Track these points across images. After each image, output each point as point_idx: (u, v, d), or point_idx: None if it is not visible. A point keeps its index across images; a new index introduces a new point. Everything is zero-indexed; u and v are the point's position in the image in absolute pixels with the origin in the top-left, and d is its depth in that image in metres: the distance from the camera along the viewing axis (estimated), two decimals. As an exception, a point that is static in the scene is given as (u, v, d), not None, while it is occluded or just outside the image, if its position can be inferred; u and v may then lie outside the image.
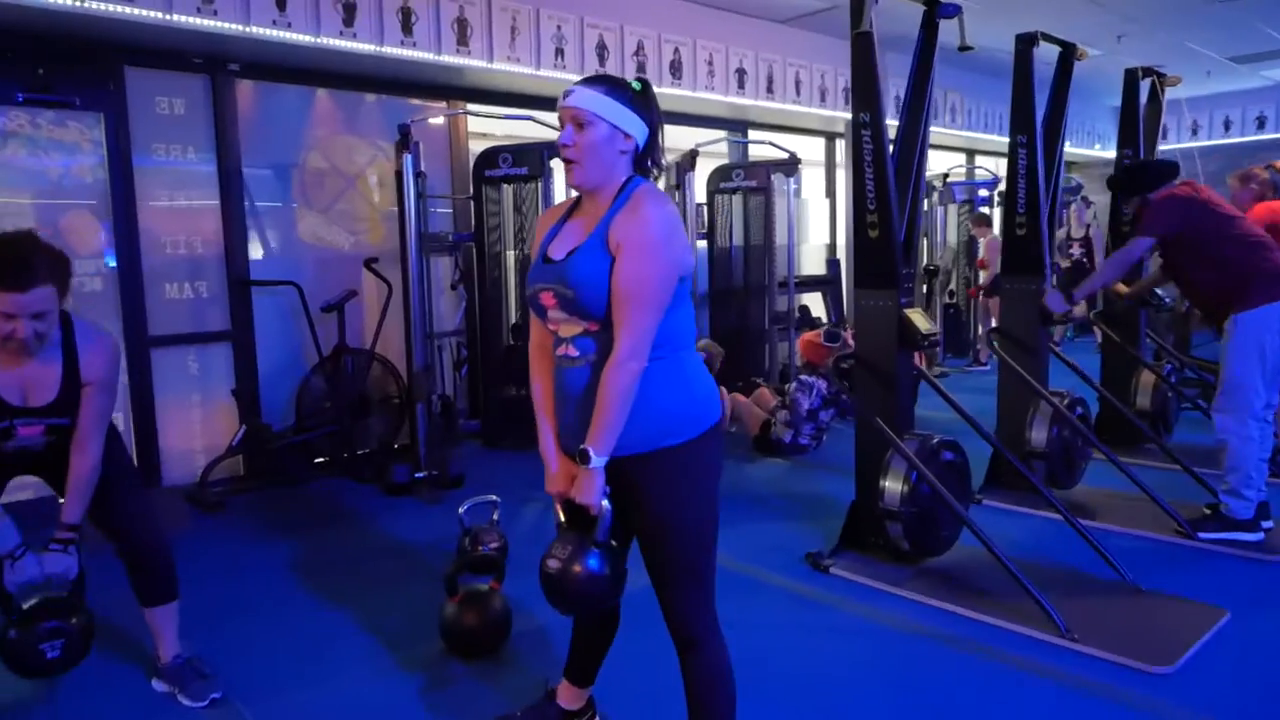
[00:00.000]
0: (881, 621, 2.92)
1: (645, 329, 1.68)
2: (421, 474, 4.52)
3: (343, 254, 5.12)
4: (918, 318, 3.34)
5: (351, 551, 3.72)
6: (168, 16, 3.93)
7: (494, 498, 3.46)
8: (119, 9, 3.79)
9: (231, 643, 2.84)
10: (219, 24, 4.10)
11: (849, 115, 3.42)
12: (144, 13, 3.86)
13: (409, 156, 4.51)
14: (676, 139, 6.61)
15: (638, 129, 1.75)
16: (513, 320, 5.47)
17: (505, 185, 5.37)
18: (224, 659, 2.69)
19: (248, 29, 4.19)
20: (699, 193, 6.53)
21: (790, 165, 6.46)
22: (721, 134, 6.47)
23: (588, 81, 1.76)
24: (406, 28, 4.74)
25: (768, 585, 3.25)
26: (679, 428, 1.78)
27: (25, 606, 2.13)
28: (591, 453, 1.71)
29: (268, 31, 4.25)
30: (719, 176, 6.77)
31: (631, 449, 1.77)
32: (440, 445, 4.80)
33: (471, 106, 5.58)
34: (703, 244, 6.81)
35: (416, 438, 4.65)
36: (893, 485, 3.23)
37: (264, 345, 4.85)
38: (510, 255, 5.43)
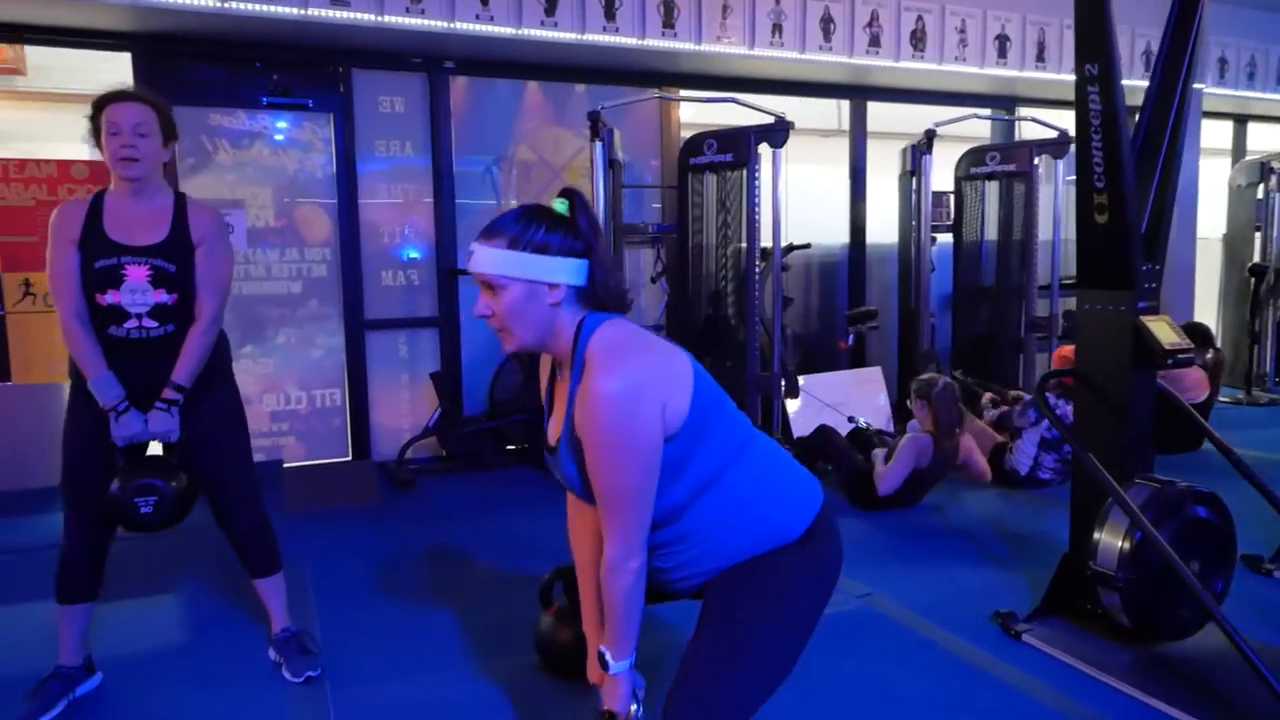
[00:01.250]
0: (1076, 717, 2.27)
1: (631, 526, 1.41)
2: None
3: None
4: (1161, 328, 2.57)
5: (507, 543, 3.67)
6: (379, 18, 4.14)
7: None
8: (336, 14, 4.05)
9: (354, 622, 2.88)
10: (426, 22, 4.26)
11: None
12: (359, 16, 4.10)
13: (599, 145, 4.39)
14: (912, 120, 5.92)
15: (565, 271, 1.42)
16: (711, 313, 5.19)
17: (710, 173, 5.09)
18: (341, 638, 2.73)
19: (453, 25, 4.30)
20: (944, 180, 5.79)
21: (1059, 146, 5.52)
22: (964, 111, 5.66)
23: (485, 234, 1.44)
24: (609, 13, 4.63)
25: (936, 645, 2.69)
26: (760, 539, 1.51)
27: (126, 460, 2.20)
28: (609, 657, 1.49)
29: (472, 26, 4.34)
30: (970, 160, 5.95)
31: (721, 563, 1.53)
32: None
33: (683, 92, 5.38)
34: (946, 238, 6.04)
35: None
36: (1109, 541, 2.52)
37: (468, 332, 5.01)
38: (710, 247, 5.14)
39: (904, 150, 5.74)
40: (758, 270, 4.91)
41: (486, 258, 1.41)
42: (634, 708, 1.52)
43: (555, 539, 3.58)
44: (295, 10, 3.98)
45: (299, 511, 4.04)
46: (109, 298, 2.18)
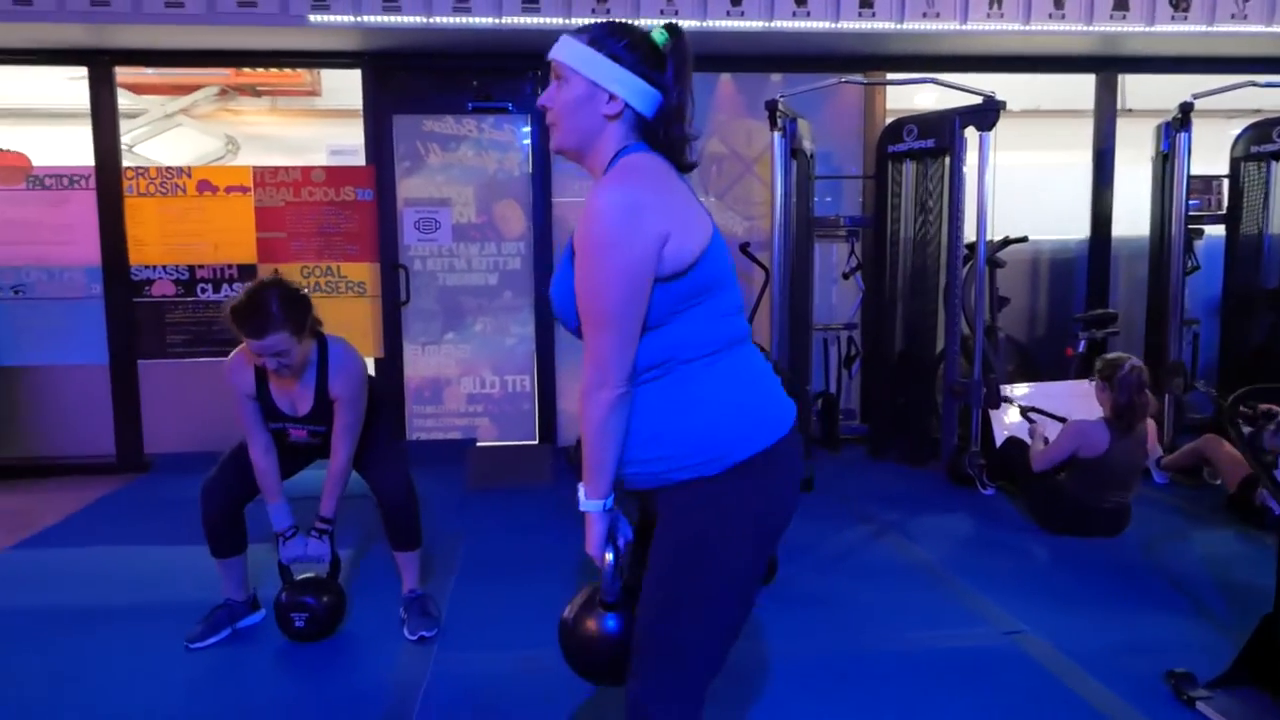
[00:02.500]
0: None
1: (608, 351, 1.32)
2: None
3: (734, 240, 5.08)
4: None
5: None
6: (567, 20, 4.32)
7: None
8: (527, 20, 4.30)
9: (485, 593, 3.04)
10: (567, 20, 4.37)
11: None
12: (547, 20, 4.31)
13: (778, 136, 4.25)
14: (1157, 93, 5.09)
15: (630, 89, 1.38)
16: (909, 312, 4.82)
17: (910, 161, 4.73)
18: (467, 605, 2.93)
19: (636, 22, 4.38)
20: (1209, 162, 4.92)
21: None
22: (1235, 79, 4.73)
23: (578, 30, 1.42)
24: (800, -2, 4.46)
25: (1083, 702, 2.31)
26: (682, 462, 1.37)
27: (293, 579, 2.63)
28: (580, 492, 1.41)
29: (654, 21, 4.39)
30: (1254, 138, 5.00)
31: (642, 483, 1.43)
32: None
33: (889, 75, 5.04)
34: (1217, 230, 5.14)
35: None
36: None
37: (653, 326, 5.08)
38: (909, 241, 4.78)
39: (1157, 128, 4.94)
40: (961, 266, 4.50)
41: (565, 46, 1.40)
42: (608, 555, 1.43)
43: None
44: (490, 19, 4.27)
45: (478, 488, 4.35)
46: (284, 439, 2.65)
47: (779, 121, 4.24)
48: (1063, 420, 3.87)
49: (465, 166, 4.86)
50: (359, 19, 4.20)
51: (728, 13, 4.44)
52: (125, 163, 4.70)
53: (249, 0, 4.13)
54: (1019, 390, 4.59)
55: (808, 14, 4.48)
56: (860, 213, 5.19)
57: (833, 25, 4.51)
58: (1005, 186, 4.75)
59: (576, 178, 4.99)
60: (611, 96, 1.38)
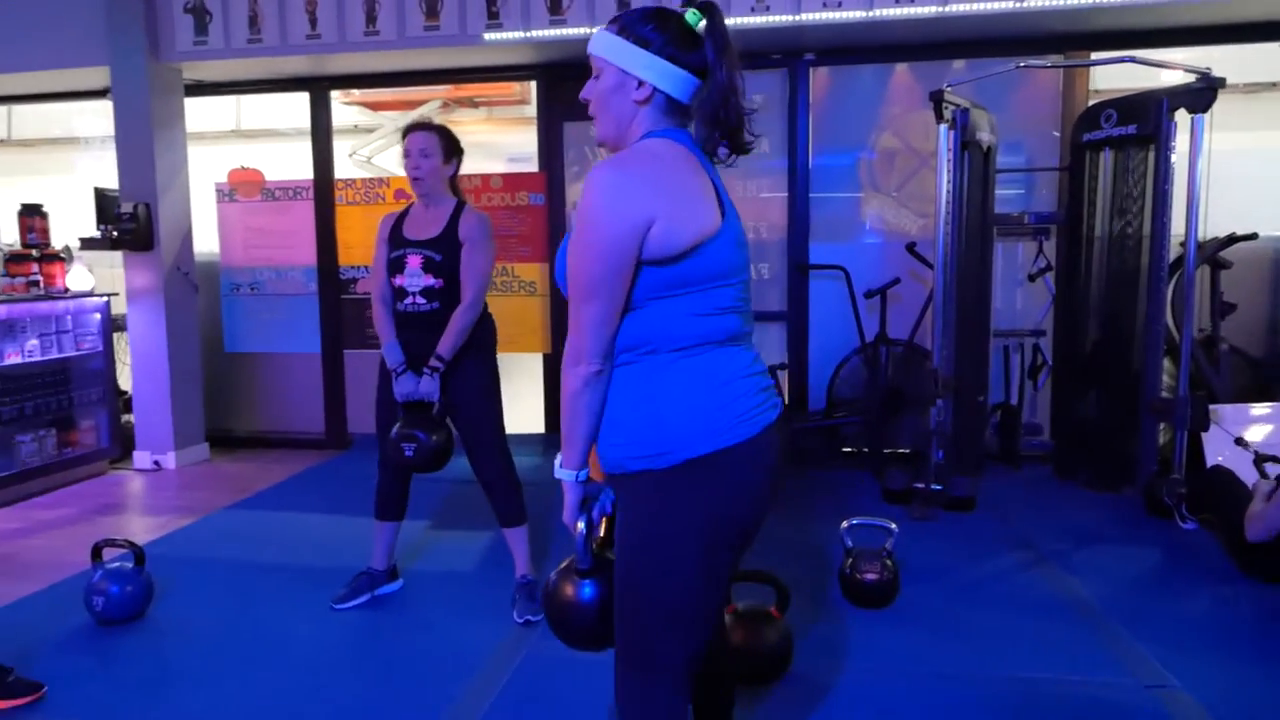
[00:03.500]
0: None
1: (586, 324, 1.35)
2: (920, 484, 4.02)
3: (907, 238, 4.81)
4: None
5: (776, 544, 3.60)
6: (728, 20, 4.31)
7: (891, 525, 2.97)
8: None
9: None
10: (770, 18, 4.30)
11: None
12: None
13: (945, 129, 3.97)
14: None
15: (658, 72, 1.39)
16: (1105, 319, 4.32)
17: (1108, 150, 4.23)
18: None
19: (798, 18, 4.28)
20: None
21: None
22: None
23: (611, 20, 1.46)
24: (978, -23, 4.13)
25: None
26: (635, 451, 1.39)
27: (403, 413, 2.74)
28: (556, 461, 1.46)
29: (817, 16, 4.26)
30: None
31: (607, 467, 1.46)
32: (961, 455, 4.17)
33: (1094, 55, 4.53)
34: None
35: (930, 442, 4.13)
36: None
37: (815, 328, 4.94)
38: (1106, 239, 4.27)
39: None
40: (1166, 267, 3.97)
41: (597, 38, 1.44)
42: (580, 524, 1.46)
43: (830, 549, 3.42)
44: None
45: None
46: (396, 280, 2.78)
47: (946, 113, 3.96)
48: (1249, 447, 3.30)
49: (631, 170, 4.99)
50: (529, 34, 4.45)
51: (897, 1, 4.21)
52: (359, 174, 5.31)
53: (433, 24, 4.51)
54: (1256, 411, 3.97)
55: (990, -7, 4.14)
56: (1053, 209, 4.71)
57: (1017, 5, 4.14)
58: (1221, 175, 4.12)
59: (740, 176, 4.96)
60: (640, 82, 1.40)
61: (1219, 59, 3.96)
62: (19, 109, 6.39)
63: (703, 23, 1.41)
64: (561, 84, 4.96)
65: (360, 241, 5.24)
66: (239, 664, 2.58)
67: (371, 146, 6.17)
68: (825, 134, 4.88)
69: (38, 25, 4.84)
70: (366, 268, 5.26)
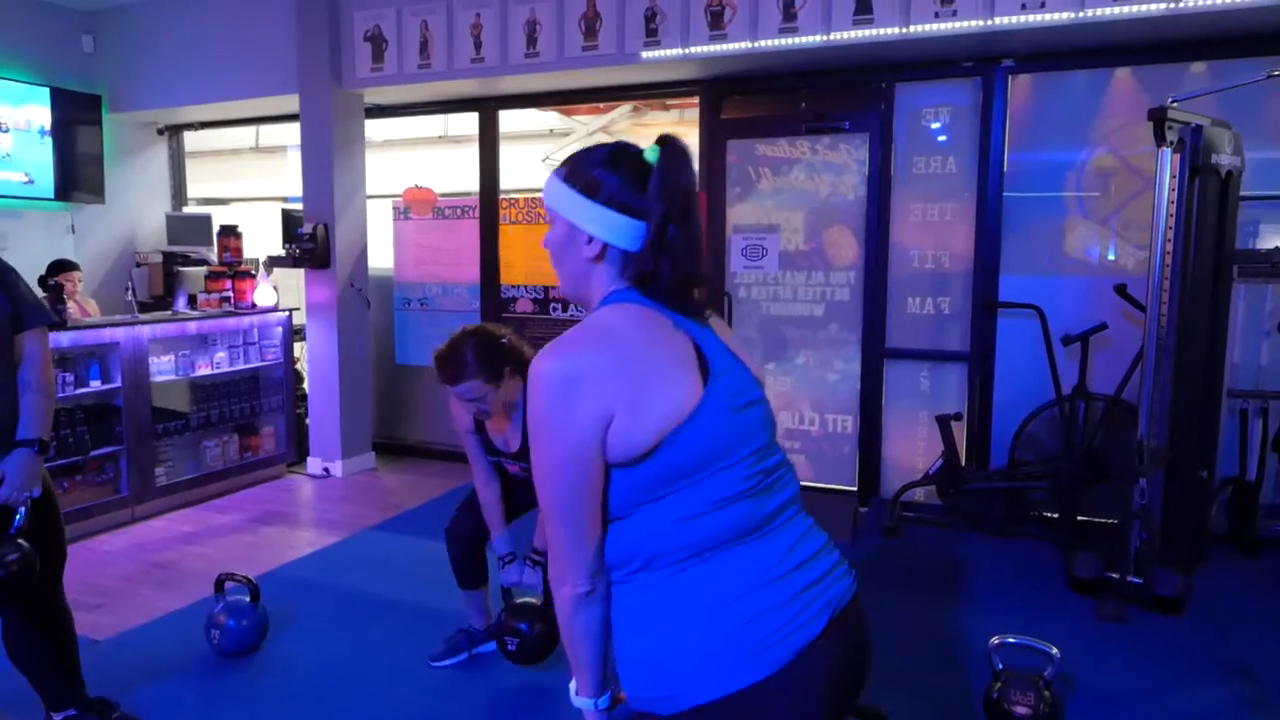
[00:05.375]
0: None
1: (561, 543, 1.13)
2: (1114, 574, 3.38)
3: (1120, 275, 4.09)
4: None
5: (926, 629, 3.14)
6: (905, 30, 3.83)
7: (1053, 650, 2.49)
8: (863, 33, 3.90)
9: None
10: (957, 24, 3.77)
11: None
12: (885, 31, 3.87)
13: (1168, 152, 3.28)
14: None
15: (606, 224, 1.17)
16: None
17: (1400, 175, 3.33)
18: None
19: (990, 22, 3.72)
20: None
21: None
22: None
23: (562, 162, 1.24)
24: (1227, -35, 3.38)
25: None
26: (636, 691, 1.15)
27: (514, 603, 2.71)
28: (571, 687, 1.24)
29: (1017, 19, 3.68)
30: None
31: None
32: (1173, 544, 3.47)
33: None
34: None
35: (1131, 524, 3.47)
36: None
37: (1002, 373, 4.34)
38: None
39: None
40: None
41: (547, 183, 1.26)
42: None
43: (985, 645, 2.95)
44: (819, 37, 3.97)
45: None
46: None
47: (1170, 134, 3.27)
48: None
49: (796, 191, 4.62)
50: (687, 50, 4.20)
51: (1116, -3, 3.54)
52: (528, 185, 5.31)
53: (591, 44, 4.38)
54: None
55: (1249, -18, 3.38)
56: (1320, 242, 3.81)
57: (1278, -4, 3.35)
58: None
59: (920, 200, 4.43)
60: (590, 238, 1.18)
61: None
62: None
63: (658, 155, 1.16)
64: (726, 98, 4.67)
65: (521, 262, 5.24)
66: (332, 713, 2.58)
67: (564, 151, 6.18)
68: (1024, 151, 4.24)
69: (240, 59, 5.25)
70: (526, 287, 5.26)
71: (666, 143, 1.16)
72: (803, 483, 4.72)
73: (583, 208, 1.17)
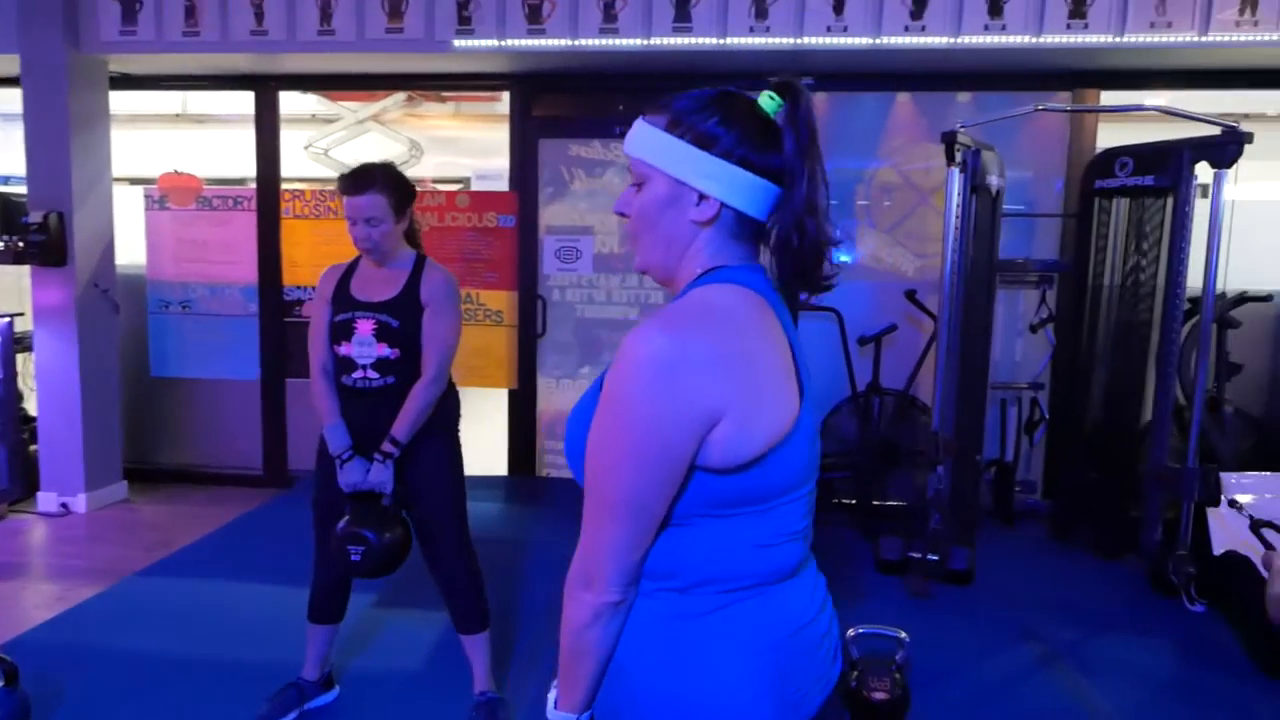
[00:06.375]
0: None
1: (605, 544, 0.97)
2: (916, 554, 3.73)
3: (903, 281, 4.51)
4: None
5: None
6: (722, 41, 3.94)
7: (902, 634, 2.64)
8: (679, 41, 3.95)
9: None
10: (770, 40, 3.95)
11: None
12: (699, 41, 3.95)
13: (956, 171, 3.67)
14: None
15: (728, 182, 1.01)
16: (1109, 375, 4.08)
17: (1121, 199, 3.98)
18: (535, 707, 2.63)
19: (800, 40, 3.93)
20: None
21: None
22: None
23: (659, 106, 1.05)
24: (995, 9, 3.83)
25: None
26: (622, 717, 1.02)
27: (350, 508, 2.31)
28: (549, 699, 1.07)
29: (822, 40, 3.92)
30: None
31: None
32: (960, 523, 3.89)
33: (1104, 97, 4.29)
34: None
35: (927, 509, 3.84)
36: None
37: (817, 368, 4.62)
38: (1115, 291, 4.03)
39: None
40: (1180, 326, 3.73)
41: (638, 135, 1.06)
42: None
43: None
44: (639, 41, 3.97)
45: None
46: (343, 349, 2.33)
47: (958, 155, 3.66)
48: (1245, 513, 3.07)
49: (610, 193, 4.60)
50: (503, 43, 4.02)
51: (906, 28, 3.89)
52: (322, 171, 4.76)
53: (396, 26, 4.05)
54: (1260, 479, 3.75)
55: (1003, 28, 3.85)
56: (1055, 256, 4.46)
57: (1034, 40, 3.86)
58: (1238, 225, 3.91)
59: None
60: (702, 196, 1.02)
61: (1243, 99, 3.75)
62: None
63: (783, 110, 1.03)
64: (539, 97, 4.54)
65: (308, 260, 4.75)
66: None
67: (330, 139, 5.63)
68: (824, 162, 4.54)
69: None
70: (312, 288, 4.77)
71: (791, 90, 1.03)
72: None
73: (697, 160, 1.00)
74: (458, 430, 2.51)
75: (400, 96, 5.62)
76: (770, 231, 1.06)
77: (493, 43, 4.03)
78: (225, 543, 4.05)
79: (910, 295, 4.26)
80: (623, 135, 4.08)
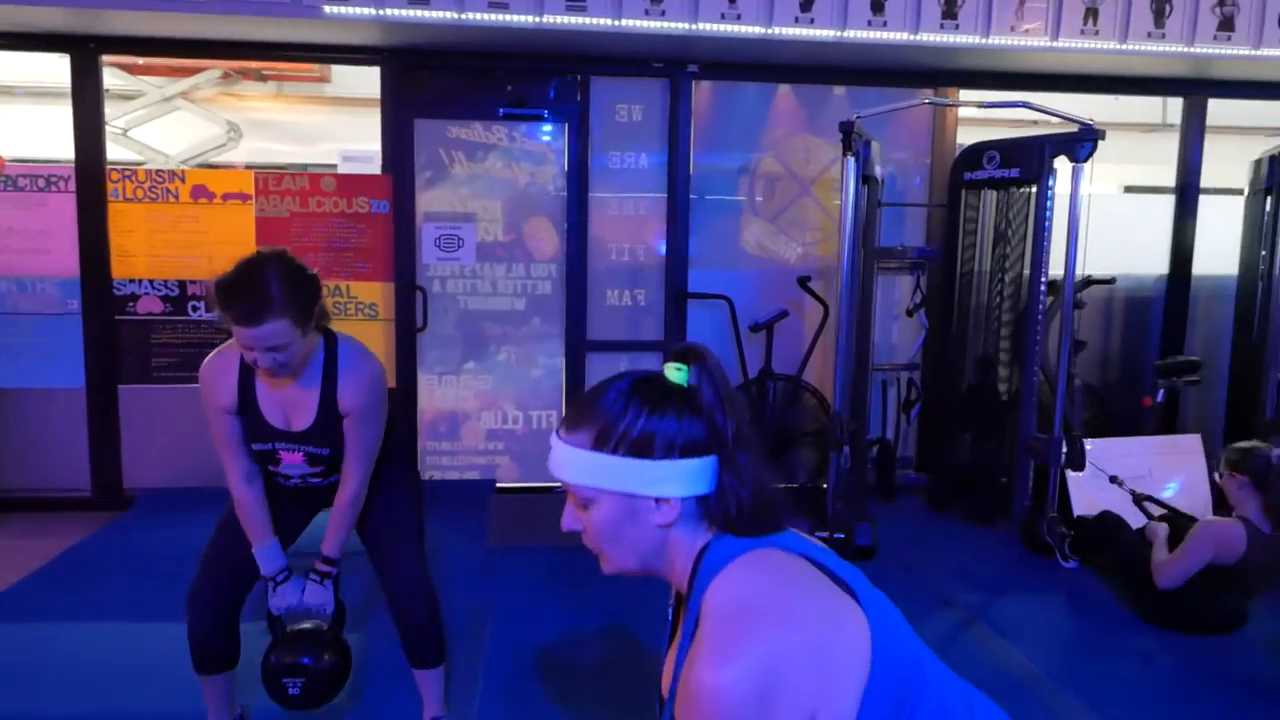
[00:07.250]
0: None
1: None
2: (823, 534, 3.81)
3: (787, 268, 4.61)
4: None
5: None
6: (617, 22, 3.83)
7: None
8: (573, 20, 3.80)
9: (521, 695, 2.56)
10: (665, 24, 3.88)
11: None
12: (595, 21, 3.82)
13: (851, 160, 3.77)
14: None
15: (679, 479, 0.98)
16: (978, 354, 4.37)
17: (988, 190, 4.27)
18: (499, 712, 2.43)
19: (695, 26, 3.89)
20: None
21: None
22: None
23: (567, 421, 1.04)
24: (876, 6, 3.98)
25: None
26: None
27: (286, 633, 2.07)
28: None
29: (717, 26, 3.91)
30: None
31: None
32: (859, 500, 4.02)
33: (963, 94, 4.59)
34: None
35: (825, 489, 3.94)
36: None
37: (693, 360, 4.61)
38: (983, 276, 4.32)
39: (1255, 163, 4.50)
40: (1043, 307, 4.03)
41: (565, 459, 1.01)
42: None
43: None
44: (530, 18, 3.78)
45: (501, 544, 3.86)
46: (270, 468, 2.09)
47: (854, 145, 3.76)
48: (1186, 517, 3.41)
49: (494, 179, 4.37)
50: (381, 13, 3.69)
51: (796, 19, 3.96)
52: (119, 152, 4.16)
53: (257, -14, 3.62)
54: (1116, 446, 4.15)
55: (884, 24, 4.00)
56: (923, 243, 4.72)
57: (911, 37, 4.04)
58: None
59: (617, 195, 4.49)
60: (659, 500, 0.98)
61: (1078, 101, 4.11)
62: None
63: (691, 370, 1.01)
64: (415, 74, 4.21)
65: (142, 249, 4.16)
66: None
67: (129, 118, 4.94)
68: (707, 153, 4.55)
69: None
70: (151, 281, 4.19)
71: (693, 355, 0.99)
72: (510, 483, 4.56)
73: (641, 471, 0.97)
74: (413, 459, 2.30)
75: (215, 73, 5.06)
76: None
77: (370, 11, 3.69)
78: (56, 579, 3.47)
79: (803, 282, 4.35)
80: (506, 118, 3.81)
